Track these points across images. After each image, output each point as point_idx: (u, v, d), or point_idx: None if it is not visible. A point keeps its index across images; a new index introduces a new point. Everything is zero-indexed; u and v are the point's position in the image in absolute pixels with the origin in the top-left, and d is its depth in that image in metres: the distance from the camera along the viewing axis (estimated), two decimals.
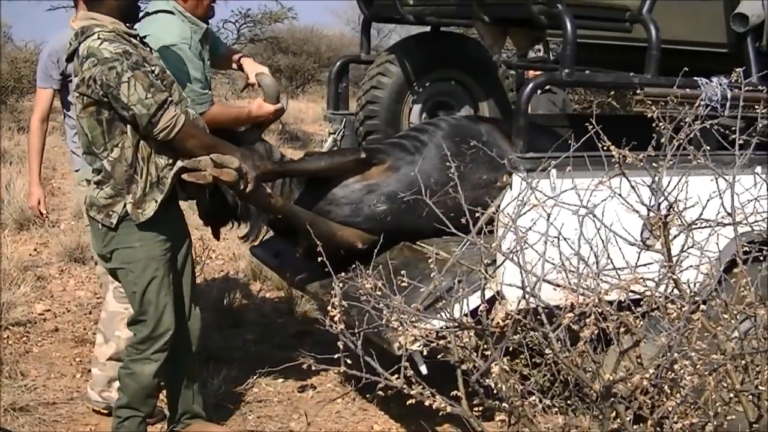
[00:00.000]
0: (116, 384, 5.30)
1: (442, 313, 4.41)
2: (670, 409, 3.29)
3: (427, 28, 6.37)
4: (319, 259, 4.21)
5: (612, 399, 3.31)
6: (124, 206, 4.56)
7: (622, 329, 3.60)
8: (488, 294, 4.65)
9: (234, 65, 5.60)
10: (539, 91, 8.34)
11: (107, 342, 5.41)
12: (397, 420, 5.42)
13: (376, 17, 6.45)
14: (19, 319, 6.78)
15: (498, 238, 4.41)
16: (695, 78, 4.99)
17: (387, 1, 5.98)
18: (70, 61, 4.62)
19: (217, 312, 6.91)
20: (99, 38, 4.40)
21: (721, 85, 4.98)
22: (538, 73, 7.91)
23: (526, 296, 3.92)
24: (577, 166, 4.39)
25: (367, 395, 5.76)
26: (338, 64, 6.45)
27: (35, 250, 8.63)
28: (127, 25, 4.55)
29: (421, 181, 4.72)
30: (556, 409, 3.88)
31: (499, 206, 4.63)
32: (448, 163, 4.42)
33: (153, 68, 4.49)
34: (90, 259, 8.14)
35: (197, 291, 5.14)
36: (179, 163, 4.53)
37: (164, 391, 5.66)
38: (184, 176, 4.52)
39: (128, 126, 4.46)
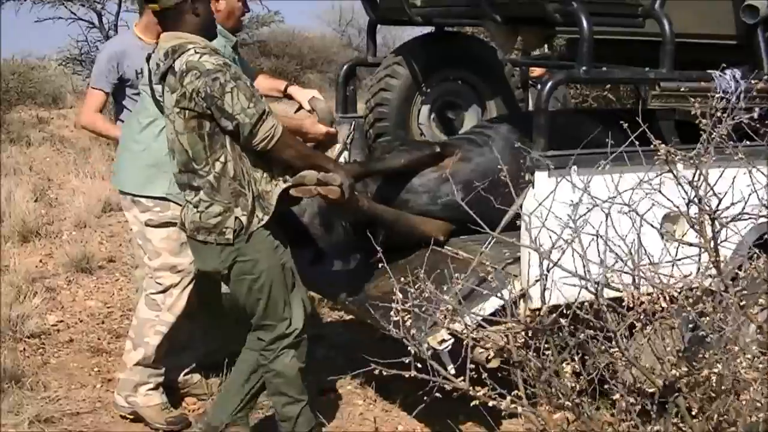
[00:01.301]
0: (142, 389, 5.37)
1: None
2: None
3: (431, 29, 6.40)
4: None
5: (676, 394, 3.34)
6: (236, 219, 4.58)
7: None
8: (513, 293, 4.70)
9: (277, 93, 5.75)
10: (539, 86, 8.39)
11: (136, 348, 5.42)
12: (420, 420, 5.42)
13: (382, 20, 6.48)
14: (34, 330, 6.76)
15: (522, 236, 4.49)
16: (709, 71, 5.03)
17: (393, 3, 6.00)
18: (163, 80, 4.60)
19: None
20: (197, 53, 4.46)
21: (734, 77, 5.01)
22: (541, 71, 8.01)
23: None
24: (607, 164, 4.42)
25: (389, 398, 5.78)
26: (345, 67, 6.46)
27: (41, 261, 8.61)
28: None
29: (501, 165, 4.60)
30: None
31: (521, 205, 4.65)
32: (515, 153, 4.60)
33: (246, 80, 4.54)
34: (98, 268, 8.18)
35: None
36: (281, 184, 4.63)
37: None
38: (291, 191, 4.63)
39: (227, 139, 4.50)
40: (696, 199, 3.90)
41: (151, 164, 5.31)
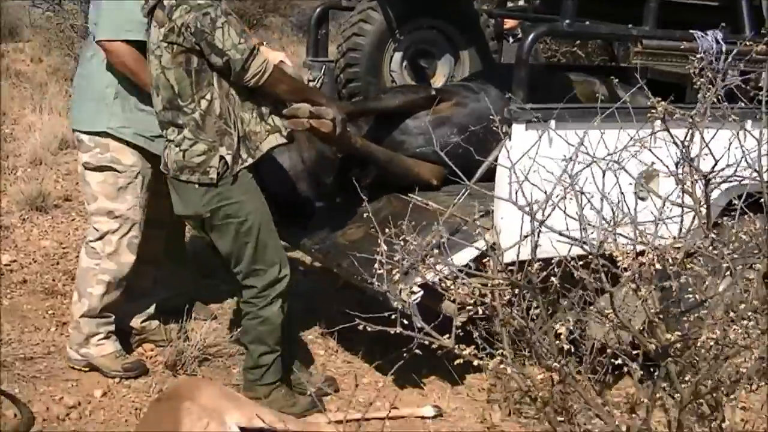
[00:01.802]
0: (93, 339, 5.22)
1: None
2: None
3: None
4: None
5: (668, 358, 3.26)
6: (221, 159, 4.50)
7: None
8: (483, 246, 4.61)
9: None
10: (511, 40, 8.30)
11: (80, 299, 5.27)
12: (383, 372, 5.33)
13: None
14: None
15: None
16: (691, 31, 4.95)
17: None
18: (151, 14, 4.52)
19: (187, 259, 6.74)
20: None
21: (716, 38, 4.94)
22: (514, 22, 7.91)
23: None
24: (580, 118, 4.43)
25: (351, 348, 5.71)
26: (318, 10, 6.30)
27: None
28: None
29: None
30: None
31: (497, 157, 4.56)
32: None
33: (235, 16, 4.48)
34: (53, 207, 8.00)
35: None
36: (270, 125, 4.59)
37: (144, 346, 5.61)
38: (284, 122, 4.60)
39: (215, 77, 4.45)
40: (688, 160, 3.84)
41: (94, 98, 5.12)
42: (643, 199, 4.64)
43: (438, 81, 6.29)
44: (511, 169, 4.15)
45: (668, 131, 3.91)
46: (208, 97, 4.46)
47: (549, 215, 3.91)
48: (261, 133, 4.59)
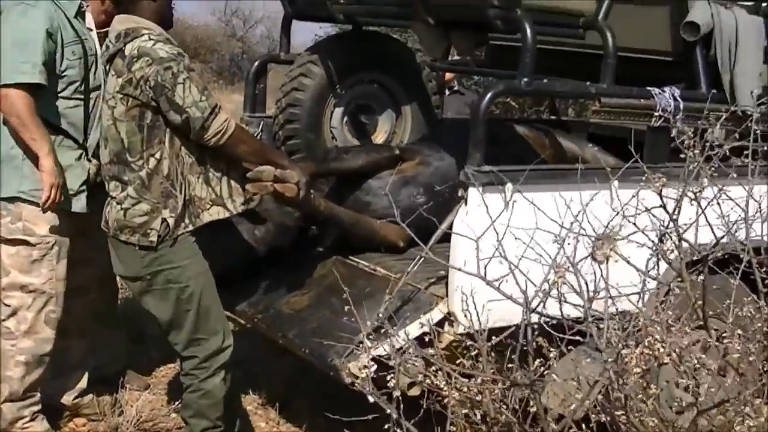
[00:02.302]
0: (19, 424, 4.92)
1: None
2: None
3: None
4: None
5: None
6: (163, 222, 4.29)
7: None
8: (438, 316, 4.41)
9: None
10: (447, 92, 8.15)
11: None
12: None
13: (299, 14, 6.08)
14: None
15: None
16: (648, 89, 4.81)
17: None
18: (110, 62, 4.32)
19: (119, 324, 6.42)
20: (150, 39, 4.24)
21: (673, 95, 4.80)
22: (450, 75, 7.75)
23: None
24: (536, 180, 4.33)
25: (295, 420, 5.46)
26: (256, 63, 6.08)
27: None
28: None
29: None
30: None
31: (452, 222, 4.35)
32: None
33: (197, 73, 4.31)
34: None
35: None
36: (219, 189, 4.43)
37: None
38: (247, 186, 4.41)
39: (167, 135, 4.27)
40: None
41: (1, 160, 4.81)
42: (600, 263, 4.49)
43: (379, 137, 6.06)
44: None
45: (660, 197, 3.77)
46: (158, 155, 4.26)
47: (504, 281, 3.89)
48: (205, 201, 4.39)
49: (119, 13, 4.39)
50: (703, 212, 3.94)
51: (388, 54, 5.99)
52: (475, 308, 3.97)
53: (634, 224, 4.04)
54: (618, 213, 4.10)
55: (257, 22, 29.03)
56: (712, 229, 4.00)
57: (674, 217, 3.89)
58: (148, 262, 4.34)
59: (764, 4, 5.93)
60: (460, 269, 4.10)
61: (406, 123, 6.08)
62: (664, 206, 3.91)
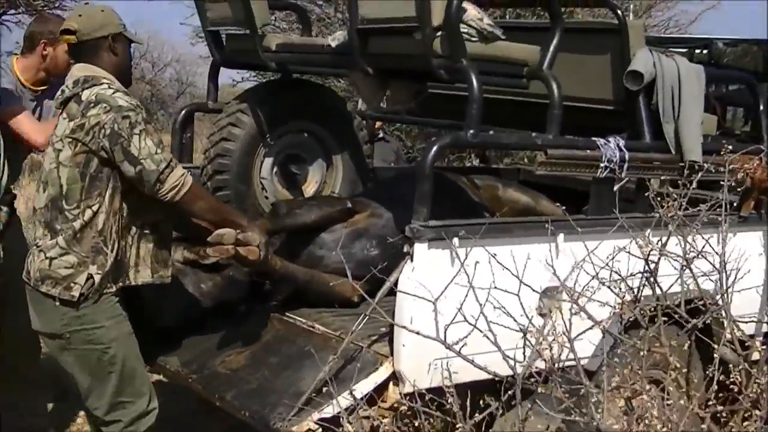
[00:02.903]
0: None
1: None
2: None
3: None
4: None
5: None
6: (89, 278, 4.08)
7: None
8: (383, 375, 4.25)
9: None
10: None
11: None
12: None
13: (228, 62, 5.93)
14: None
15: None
16: (593, 139, 4.72)
17: (243, 45, 5.50)
18: (64, 105, 4.19)
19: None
20: (110, 88, 4.15)
21: (618, 146, 4.72)
22: (378, 123, 7.63)
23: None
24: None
25: None
26: (183, 112, 5.88)
27: None
28: None
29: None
30: None
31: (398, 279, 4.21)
32: None
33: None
34: None
35: None
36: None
37: None
38: (208, 251, 4.28)
39: (109, 189, 4.11)
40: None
41: None
42: (544, 316, 4.41)
43: (310, 188, 5.92)
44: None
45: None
46: (95, 208, 4.09)
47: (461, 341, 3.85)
48: (136, 264, 4.23)
49: (79, 62, 4.29)
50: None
51: (318, 103, 5.86)
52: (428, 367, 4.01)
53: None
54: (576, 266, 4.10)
55: (166, 65, 28.78)
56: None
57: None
58: (68, 320, 4.14)
59: (697, 51, 5.94)
60: (406, 327, 4.00)
61: (337, 173, 5.94)
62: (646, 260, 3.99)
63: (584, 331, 4.02)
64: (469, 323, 3.84)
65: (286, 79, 5.89)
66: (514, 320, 3.94)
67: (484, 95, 4.44)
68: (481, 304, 3.89)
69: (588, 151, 4.67)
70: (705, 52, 6.05)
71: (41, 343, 4.71)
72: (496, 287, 3.96)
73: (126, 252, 4.19)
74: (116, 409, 4.27)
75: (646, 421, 3.70)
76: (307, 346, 4.55)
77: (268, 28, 5.38)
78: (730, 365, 4.12)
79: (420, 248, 4.16)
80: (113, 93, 4.12)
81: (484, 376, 4.03)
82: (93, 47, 4.26)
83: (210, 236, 4.25)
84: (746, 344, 4.36)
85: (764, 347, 4.34)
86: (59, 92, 4.29)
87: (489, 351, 3.91)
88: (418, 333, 3.84)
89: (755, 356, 4.34)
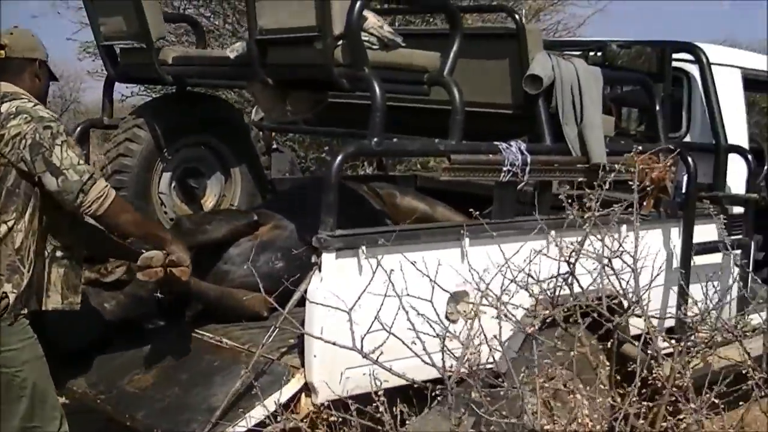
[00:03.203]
0: None
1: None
2: None
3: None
4: None
5: None
6: (4, 297, 3.95)
7: None
8: (295, 387, 4.23)
9: None
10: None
11: None
12: None
13: (122, 77, 5.84)
14: None
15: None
16: (496, 143, 4.75)
17: (137, 59, 5.42)
18: None
19: None
20: (31, 101, 4.07)
21: (520, 149, 4.76)
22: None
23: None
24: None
25: None
26: (79, 129, 5.71)
27: None
28: None
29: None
30: None
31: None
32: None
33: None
34: None
35: None
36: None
37: None
38: (138, 275, 4.22)
39: (29, 207, 3.99)
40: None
41: None
42: (453, 321, 4.43)
43: (209, 201, 5.87)
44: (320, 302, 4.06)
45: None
46: (11, 224, 3.96)
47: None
48: (50, 290, 4.13)
49: (4, 73, 4.18)
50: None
51: (215, 115, 5.82)
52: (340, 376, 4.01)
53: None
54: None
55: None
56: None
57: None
58: None
59: (591, 53, 6.02)
60: (319, 338, 3.98)
61: (236, 185, 5.91)
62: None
63: (498, 333, 4.05)
64: (386, 330, 3.84)
65: (182, 92, 5.82)
66: (429, 325, 3.98)
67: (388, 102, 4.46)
68: (396, 311, 3.89)
69: (490, 155, 4.70)
70: (599, 54, 6.10)
71: None
72: (407, 294, 3.96)
73: (39, 275, 4.08)
74: None
75: (578, 420, 3.74)
76: (216, 361, 4.53)
77: (162, 41, 5.33)
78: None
79: (328, 258, 4.14)
80: (34, 105, 4.05)
81: (399, 382, 4.04)
82: (19, 66, 4.19)
83: (139, 259, 4.19)
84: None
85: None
86: None
87: (404, 357, 3.93)
88: (334, 343, 3.80)
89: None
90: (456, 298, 4.47)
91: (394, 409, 3.87)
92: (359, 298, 3.94)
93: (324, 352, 4.06)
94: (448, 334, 3.97)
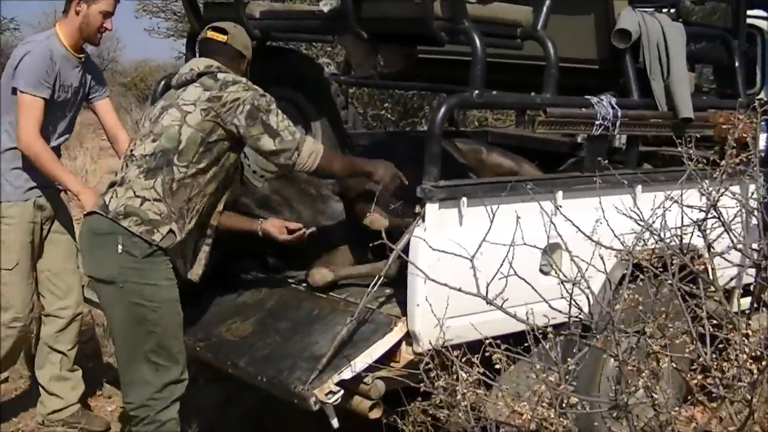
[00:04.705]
0: None
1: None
2: None
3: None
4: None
5: None
6: (170, 232, 4.22)
7: None
8: (397, 336, 4.29)
9: None
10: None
11: None
12: None
13: None
14: None
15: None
16: (587, 97, 4.80)
17: (223, 12, 5.45)
18: (181, 87, 4.46)
19: None
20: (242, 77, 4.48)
21: (611, 104, 4.80)
22: None
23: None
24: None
25: None
26: (162, 83, 5.66)
27: None
28: None
29: None
30: None
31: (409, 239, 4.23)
32: None
33: None
34: None
35: None
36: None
37: None
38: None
39: (212, 170, 4.37)
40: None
41: None
42: (546, 273, 4.48)
43: None
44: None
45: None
46: (195, 174, 4.31)
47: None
48: (196, 261, 4.51)
49: (214, 55, 4.57)
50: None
51: (297, 70, 5.88)
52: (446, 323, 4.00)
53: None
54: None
55: None
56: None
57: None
58: (127, 270, 4.19)
59: (664, 10, 6.04)
60: (444, 284, 3.94)
61: (316, 139, 5.94)
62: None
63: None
64: (517, 275, 3.92)
65: (263, 46, 5.85)
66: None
67: (466, 57, 4.50)
68: (501, 259, 3.92)
69: (583, 109, 4.74)
70: (672, 10, 6.13)
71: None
72: (510, 244, 3.98)
73: (197, 243, 4.43)
74: (150, 370, 4.28)
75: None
76: (314, 311, 4.59)
77: None
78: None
79: (431, 208, 4.21)
80: (247, 81, 4.43)
81: (499, 332, 4.05)
82: (232, 56, 4.58)
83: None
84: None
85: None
86: (181, 72, 4.52)
87: (514, 305, 3.94)
88: (459, 289, 3.83)
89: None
90: (551, 251, 4.49)
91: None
92: (480, 246, 3.95)
93: (426, 301, 4.10)
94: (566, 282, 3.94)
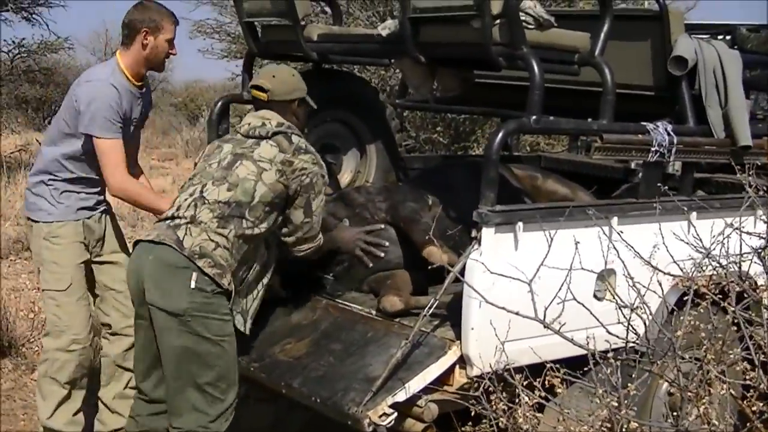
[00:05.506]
0: None
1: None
2: None
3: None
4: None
5: None
6: (244, 273, 4.48)
7: None
8: (451, 360, 4.30)
9: None
10: None
11: None
12: None
13: (264, 53, 5.93)
14: None
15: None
16: (644, 123, 4.80)
17: (280, 35, 5.52)
18: (250, 137, 4.60)
19: None
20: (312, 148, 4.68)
21: (667, 130, 4.80)
22: None
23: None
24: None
25: None
26: (219, 104, 5.74)
27: None
28: None
29: None
30: None
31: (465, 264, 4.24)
32: None
33: None
34: None
35: None
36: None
37: None
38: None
39: (269, 229, 4.52)
40: None
41: None
42: (600, 299, 4.48)
43: (345, 177, 5.97)
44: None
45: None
46: (261, 231, 4.47)
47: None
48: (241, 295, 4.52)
49: (269, 108, 4.70)
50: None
51: (352, 92, 5.92)
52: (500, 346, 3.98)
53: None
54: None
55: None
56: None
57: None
58: (198, 303, 4.25)
59: (720, 37, 6.03)
60: (502, 308, 3.94)
61: (371, 162, 6.01)
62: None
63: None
64: (575, 300, 3.92)
65: (318, 69, 5.90)
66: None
67: (521, 82, 4.51)
68: (559, 285, 3.90)
69: (639, 135, 4.74)
70: (728, 37, 6.11)
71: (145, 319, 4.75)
72: (566, 269, 3.97)
73: (244, 291, 4.53)
74: (205, 401, 4.32)
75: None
76: (368, 333, 4.60)
77: (306, 19, 5.41)
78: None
79: (487, 233, 4.22)
80: (314, 154, 4.61)
81: (553, 356, 4.01)
82: (280, 107, 4.70)
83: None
84: None
85: None
86: (253, 124, 4.64)
87: (571, 330, 3.93)
88: (517, 313, 3.83)
89: None
90: (604, 277, 4.49)
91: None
92: (538, 271, 3.94)
93: (481, 324, 4.12)
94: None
